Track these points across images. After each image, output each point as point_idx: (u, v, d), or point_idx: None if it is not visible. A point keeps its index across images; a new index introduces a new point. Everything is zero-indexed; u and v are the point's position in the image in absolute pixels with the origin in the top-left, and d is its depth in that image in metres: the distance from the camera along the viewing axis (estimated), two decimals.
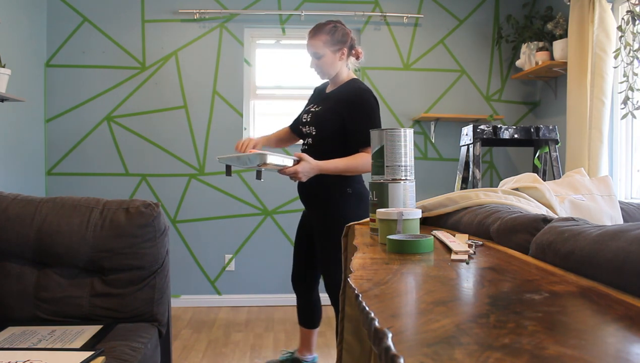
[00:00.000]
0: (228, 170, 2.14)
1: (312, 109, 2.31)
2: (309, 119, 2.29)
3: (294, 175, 2.06)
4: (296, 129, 2.43)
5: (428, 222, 1.55)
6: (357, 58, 2.31)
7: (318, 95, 2.41)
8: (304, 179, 2.09)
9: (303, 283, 2.47)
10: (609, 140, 3.07)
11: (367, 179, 1.60)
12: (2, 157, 3.22)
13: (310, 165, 2.07)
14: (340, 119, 2.18)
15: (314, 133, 2.25)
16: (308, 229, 2.40)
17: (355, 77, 2.33)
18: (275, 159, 1.97)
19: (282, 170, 2.04)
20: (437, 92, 4.04)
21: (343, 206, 2.20)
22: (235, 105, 3.92)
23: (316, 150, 2.21)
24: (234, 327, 3.42)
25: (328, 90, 2.36)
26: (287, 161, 2.04)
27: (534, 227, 1.01)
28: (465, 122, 3.95)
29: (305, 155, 2.07)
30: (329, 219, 2.22)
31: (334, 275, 2.27)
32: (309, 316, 2.49)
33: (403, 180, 1.36)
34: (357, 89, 2.21)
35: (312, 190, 2.26)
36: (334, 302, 2.33)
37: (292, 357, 2.57)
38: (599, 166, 2.94)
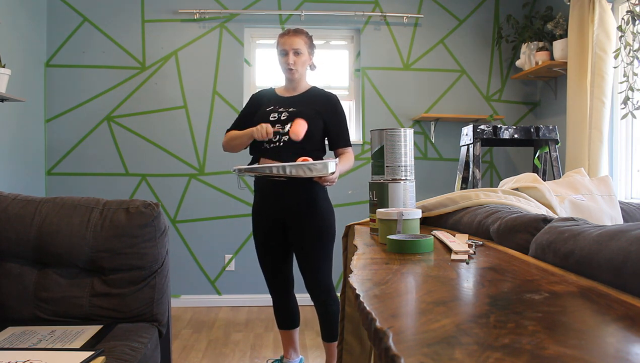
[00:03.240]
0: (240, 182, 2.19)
1: (283, 110, 2.30)
2: (284, 118, 2.28)
3: (332, 182, 2.17)
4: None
5: (428, 222, 1.55)
6: (312, 69, 2.47)
7: (276, 100, 2.37)
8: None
9: (285, 285, 2.44)
10: (609, 140, 3.07)
11: (366, 178, 1.59)
12: (2, 157, 3.22)
13: (338, 171, 2.20)
14: (321, 119, 2.32)
15: (298, 119, 2.26)
16: (279, 233, 2.36)
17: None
18: (333, 166, 2.11)
19: (325, 177, 2.11)
20: (437, 92, 4.04)
21: (325, 203, 2.34)
22: (235, 105, 3.92)
23: (297, 149, 2.24)
24: (234, 327, 3.42)
25: (288, 94, 2.38)
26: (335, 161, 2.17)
27: (534, 227, 1.01)
28: (465, 122, 3.95)
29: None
30: (319, 217, 2.29)
31: (324, 272, 2.32)
32: (291, 316, 2.48)
33: (403, 180, 1.36)
34: (331, 94, 2.39)
35: (298, 193, 2.26)
36: (323, 301, 2.32)
37: None
38: (599, 166, 2.94)
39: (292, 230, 2.32)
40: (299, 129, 2.18)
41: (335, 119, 2.34)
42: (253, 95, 2.50)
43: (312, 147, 2.29)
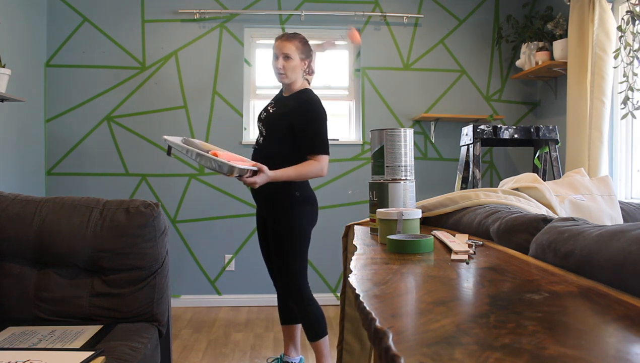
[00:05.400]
0: (169, 151, 2.13)
1: (269, 109, 2.41)
2: (262, 118, 2.40)
3: (252, 185, 2.13)
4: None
5: (428, 222, 1.55)
6: (311, 74, 2.49)
7: (277, 96, 2.49)
8: (257, 186, 2.16)
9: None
10: (609, 140, 3.07)
11: (366, 178, 1.51)
12: (2, 157, 3.22)
13: (267, 176, 2.14)
14: (288, 124, 2.29)
15: (264, 134, 2.35)
16: (264, 233, 2.47)
17: (309, 87, 2.45)
18: (239, 170, 2.03)
19: (240, 178, 2.09)
20: (437, 92, 4.04)
21: (292, 210, 2.30)
22: (235, 105, 3.92)
23: (264, 151, 2.32)
24: (234, 327, 3.42)
25: (285, 94, 2.46)
26: (246, 168, 2.08)
27: (534, 227, 1.01)
28: (465, 122, 3.95)
29: (264, 167, 2.13)
30: (279, 224, 2.30)
31: (294, 272, 2.32)
32: (291, 311, 2.50)
33: (403, 180, 1.36)
34: (307, 98, 2.33)
35: (264, 194, 2.32)
36: (298, 302, 2.34)
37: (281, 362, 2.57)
38: (599, 166, 2.94)
39: (268, 231, 2.39)
40: (355, 36, 2.25)
41: (301, 124, 2.27)
42: None
43: (277, 150, 2.30)
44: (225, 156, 2.05)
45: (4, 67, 2.90)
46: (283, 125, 2.29)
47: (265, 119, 2.38)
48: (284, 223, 2.29)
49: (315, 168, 2.24)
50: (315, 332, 2.36)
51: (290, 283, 2.32)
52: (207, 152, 2.02)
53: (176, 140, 2.04)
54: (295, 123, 2.28)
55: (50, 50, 3.83)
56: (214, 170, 2.03)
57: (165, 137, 2.04)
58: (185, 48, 3.90)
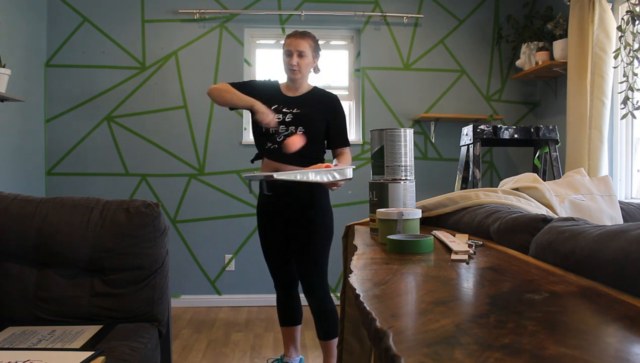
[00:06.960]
0: (251, 188, 2.23)
1: (287, 111, 2.33)
2: (288, 119, 2.31)
3: (339, 186, 2.22)
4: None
5: (428, 222, 1.55)
6: (316, 72, 2.52)
7: (281, 98, 2.39)
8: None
9: (289, 281, 2.47)
10: (609, 140, 3.07)
11: (366, 178, 1.55)
12: (2, 157, 3.22)
13: None
14: (324, 120, 2.36)
15: (299, 133, 2.30)
16: (281, 230, 2.40)
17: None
18: (350, 172, 2.20)
19: (337, 182, 2.17)
20: (437, 92, 4.04)
21: (326, 207, 2.38)
22: None
23: (299, 150, 2.26)
24: (234, 327, 3.42)
25: (291, 94, 2.40)
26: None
27: (534, 227, 1.01)
28: (465, 122, 3.95)
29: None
30: (317, 221, 2.32)
31: (321, 270, 2.35)
32: (294, 313, 2.50)
33: (403, 180, 1.36)
34: (333, 94, 2.43)
35: (304, 194, 2.30)
36: (321, 299, 2.34)
37: None
38: (599, 166, 2.94)
39: (291, 227, 2.35)
40: (295, 143, 2.21)
41: (337, 119, 2.38)
42: (262, 81, 2.51)
43: (314, 148, 2.32)
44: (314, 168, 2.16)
45: (4, 67, 2.90)
46: (321, 121, 2.34)
47: (296, 120, 2.30)
48: (320, 221, 2.33)
49: (350, 157, 2.43)
50: (330, 329, 2.37)
51: (317, 279, 2.34)
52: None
53: (261, 176, 2.07)
54: (329, 119, 2.36)
55: (50, 50, 3.83)
56: (331, 182, 2.14)
57: (246, 174, 2.12)
58: (185, 48, 3.90)
